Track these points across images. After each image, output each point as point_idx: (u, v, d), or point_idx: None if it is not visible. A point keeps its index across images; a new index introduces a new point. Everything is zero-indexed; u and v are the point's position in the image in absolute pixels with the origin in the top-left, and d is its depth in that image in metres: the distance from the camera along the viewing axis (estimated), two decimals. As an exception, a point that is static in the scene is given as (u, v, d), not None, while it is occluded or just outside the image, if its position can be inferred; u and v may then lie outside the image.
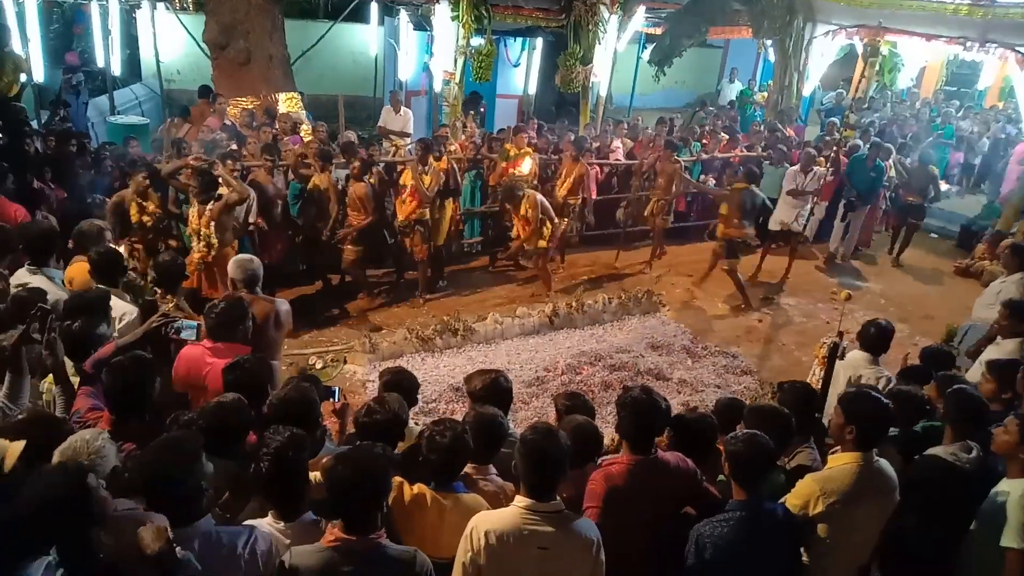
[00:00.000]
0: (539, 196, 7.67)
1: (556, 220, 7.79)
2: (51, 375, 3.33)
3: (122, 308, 4.03)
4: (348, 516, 2.31)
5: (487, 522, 2.50)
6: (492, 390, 3.31)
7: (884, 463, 3.05)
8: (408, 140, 10.15)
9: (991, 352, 4.67)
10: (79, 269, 4.25)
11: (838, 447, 3.12)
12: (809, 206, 8.64)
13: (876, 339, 4.53)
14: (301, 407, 2.97)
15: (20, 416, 2.67)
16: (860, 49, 14.16)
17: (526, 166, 8.25)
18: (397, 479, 2.65)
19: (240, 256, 4.48)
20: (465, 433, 2.76)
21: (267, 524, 2.51)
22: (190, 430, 2.66)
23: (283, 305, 4.31)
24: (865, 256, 10.35)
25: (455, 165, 7.99)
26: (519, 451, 2.55)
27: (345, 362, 6.48)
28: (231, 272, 4.31)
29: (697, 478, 3.00)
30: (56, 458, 2.41)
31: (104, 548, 2.16)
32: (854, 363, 4.58)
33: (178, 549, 2.09)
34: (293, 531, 2.49)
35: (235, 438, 2.86)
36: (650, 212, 8.96)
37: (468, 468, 2.92)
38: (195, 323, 3.55)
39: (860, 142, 10.07)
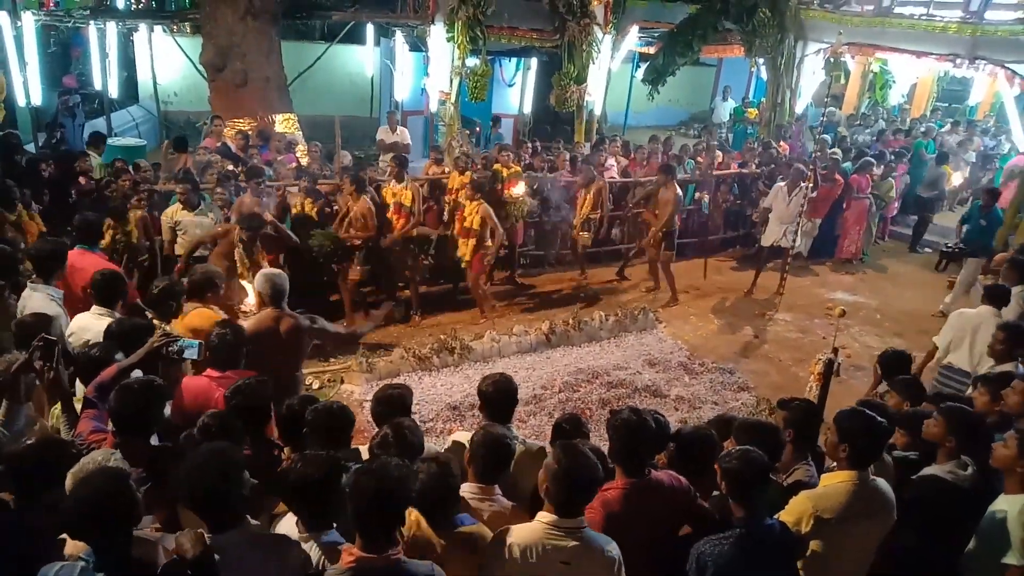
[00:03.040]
0: (489, 208, 7.51)
1: (493, 240, 7.53)
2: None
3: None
4: (367, 531, 2.30)
5: (510, 536, 2.51)
6: (500, 388, 3.38)
7: (881, 482, 3.04)
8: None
9: None
10: (201, 316, 4.26)
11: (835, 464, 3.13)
12: (797, 223, 8.66)
13: (993, 295, 5.51)
14: (340, 422, 3.06)
15: (28, 441, 2.68)
16: (852, 66, 14.39)
17: (520, 187, 8.30)
18: None
19: (268, 270, 4.59)
20: (448, 475, 2.69)
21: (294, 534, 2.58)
22: (231, 444, 2.73)
23: (304, 321, 4.43)
24: (860, 270, 10.41)
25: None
26: (552, 473, 2.52)
27: (342, 382, 6.48)
28: (258, 286, 4.44)
29: (691, 495, 2.98)
30: (69, 480, 2.44)
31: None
32: (980, 313, 5.40)
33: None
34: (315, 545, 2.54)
35: (259, 420, 2.98)
36: (649, 243, 8.55)
37: (472, 488, 2.90)
38: (196, 342, 3.54)
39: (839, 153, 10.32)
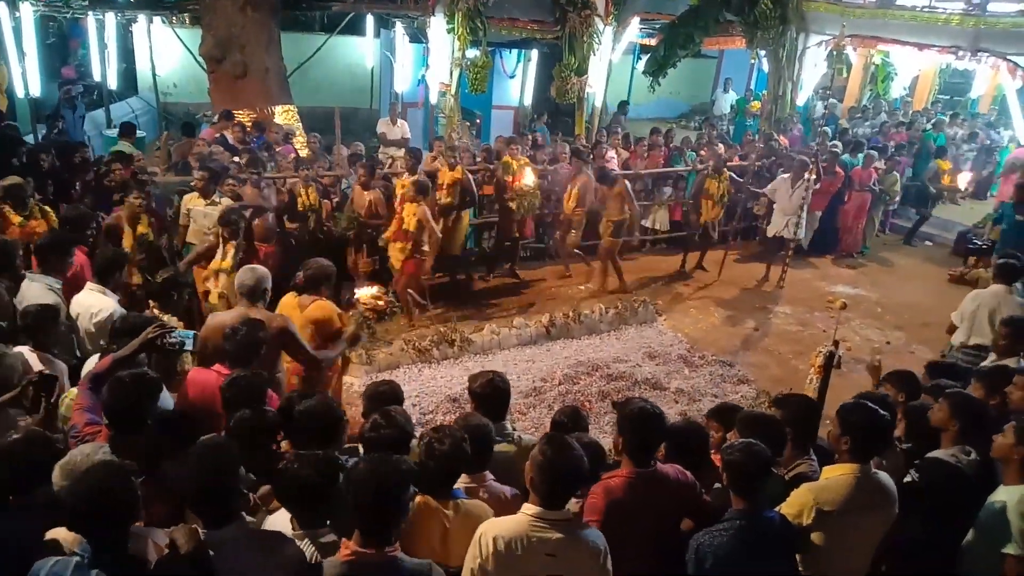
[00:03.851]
0: (427, 211, 7.09)
1: (428, 241, 7.17)
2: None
3: (100, 304, 4.04)
4: (366, 528, 2.30)
5: (495, 528, 2.50)
6: (490, 387, 3.38)
7: (883, 476, 3.05)
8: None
9: None
10: (322, 308, 4.45)
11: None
12: (802, 215, 8.67)
13: (1005, 272, 5.50)
14: (327, 421, 3.02)
15: (15, 436, 2.67)
16: (855, 59, 14.35)
17: (528, 178, 8.27)
18: None
19: (244, 268, 4.36)
20: (464, 441, 2.75)
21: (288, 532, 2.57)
22: (227, 438, 2.75)
23: (277, 321, 4.14)
24: (860, 263, 10.40)
25: (470, 176, 7.96)
26: (537, 464, 2.53)
27: (342, 374, 6.47)
28: (238, 279, 4.21)
29: (696, 490, 2.99)
30: (57, 472, 2.43)
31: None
32: (994, 293, 5.45)
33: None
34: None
35: (265, 442, 3.00)
36: (609, 244, 8.36)
37: (463, 479, 2.90)
38: (192, 333, 3.51)
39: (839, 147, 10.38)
